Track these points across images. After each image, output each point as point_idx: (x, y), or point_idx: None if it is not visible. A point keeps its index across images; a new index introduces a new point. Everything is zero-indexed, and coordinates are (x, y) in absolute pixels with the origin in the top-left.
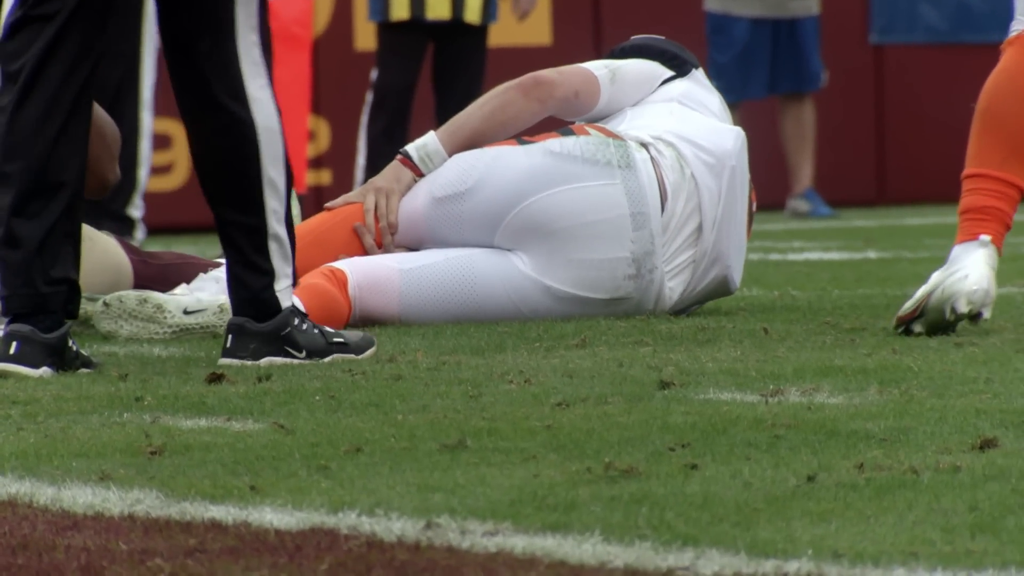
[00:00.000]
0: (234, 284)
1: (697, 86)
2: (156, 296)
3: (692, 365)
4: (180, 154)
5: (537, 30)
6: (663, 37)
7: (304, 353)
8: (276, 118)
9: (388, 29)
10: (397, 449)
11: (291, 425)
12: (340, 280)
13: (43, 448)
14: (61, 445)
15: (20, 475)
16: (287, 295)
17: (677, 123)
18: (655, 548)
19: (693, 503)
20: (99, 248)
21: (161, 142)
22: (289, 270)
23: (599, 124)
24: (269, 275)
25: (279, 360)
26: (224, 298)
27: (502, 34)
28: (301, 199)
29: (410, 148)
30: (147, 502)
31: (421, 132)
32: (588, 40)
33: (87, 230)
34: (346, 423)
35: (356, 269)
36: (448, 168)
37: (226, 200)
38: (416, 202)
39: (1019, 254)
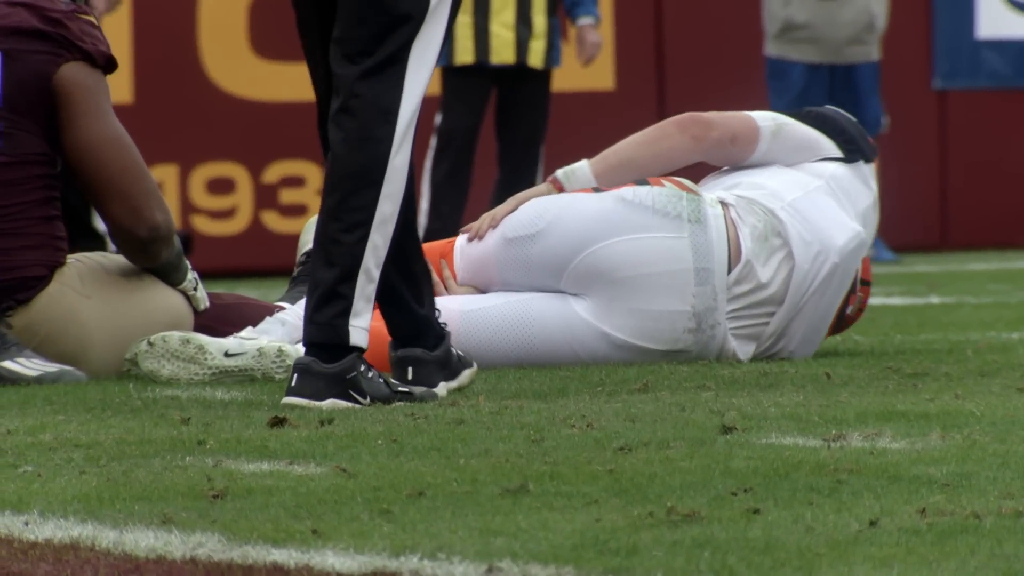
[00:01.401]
0: (313, 309)
1: (855, 178)
2: (199, 338)
3: (754, 409)
4: (242, 198)
5: (601, 75)
6: (854, 119)
7: (368, 400)
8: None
9: (452, 73)
10: (459, 493)
11: (353, 469)
12: None
13: (105, 491)
14: (123, 488)
15: (82, 518)
16: (361, 335)
17: (801, 199)
18: None
19: (755, 548)
20: (159, 290)
21: (224, 186)
22: (368, 314)
23: (680, 179)
24: (347, 304)
25: (342, 404)
26: (264, 341)
27: (566, 79)
28: None
29: (560, 171)
30: (209, 546)
31: (484, 177)
32: (652, 86)
33: (145, 274)
34: (408, 467)
35: None
36: (522, 211)
37: (337, 212)
38: (488, 243)
39: None
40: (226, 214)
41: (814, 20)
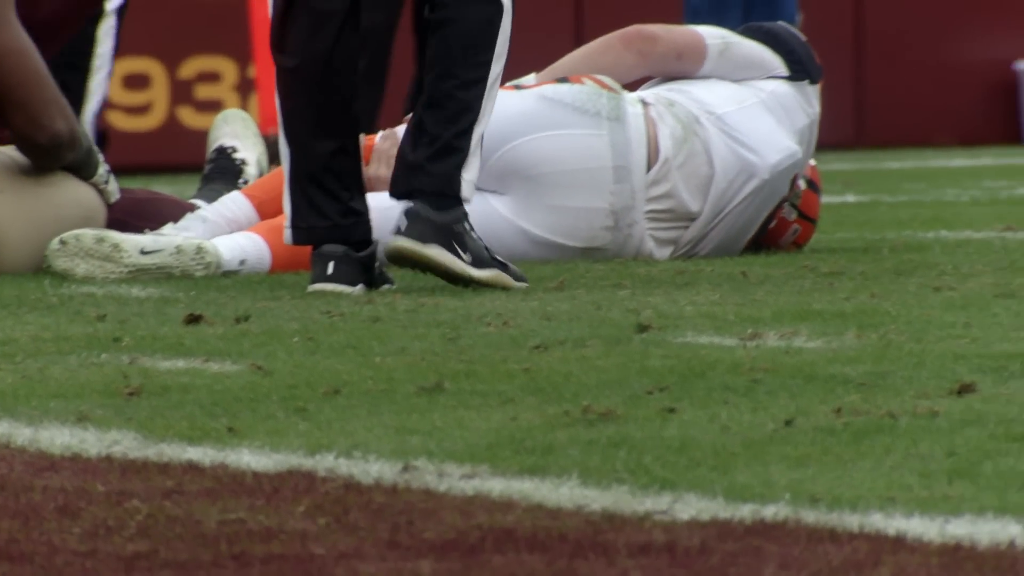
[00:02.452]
0: (427, 160)
1: (797, 96)
2: (114, 235)
3: (670, 308)
4: (158, 94)
5: None
6: (805, 39)
7: (469, 257)
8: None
9: None
10: (375, 391)
11: (269, 367)
12: None
13: (21, 389)
14: (39, 386)
15: None
16: (469, 187)
17: (734, 113)
18: (632, 492)
19: (671, 447)
20: (71, 184)
21: (139, 82)
22: (476, 168)
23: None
24: (463, 156)
25: (446, 254)
26: (180, 239)
27: None
28: None
29: (508, 84)
30: (124, 443)
31: (400, 76)
32: None
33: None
34: (324, 365)
35: None
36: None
37: (454, 70)
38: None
39: (998, 199)
40: (141, 110)
41: None
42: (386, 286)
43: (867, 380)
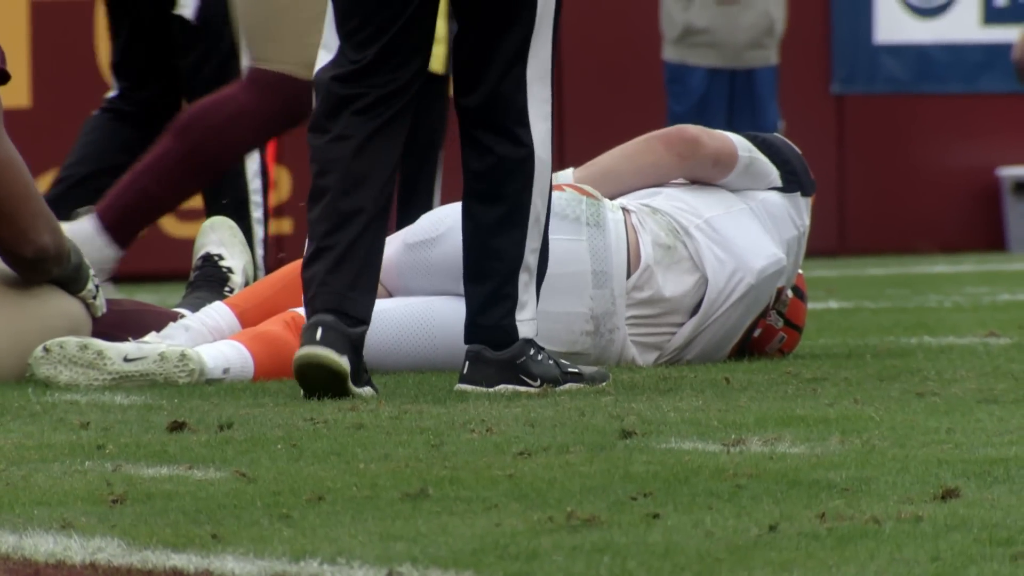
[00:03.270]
0: (476, 310)
1: (788, 207)
2: (97, 343)
3: (654, 414)
4: None
5: None
6: (799, 151)
7: (539, 382)
8: (550, 149)
9: None
10: (359, 498)
11: (253, 473)
12: (299, 326)
13: (4, 496)
14: (22, 493)
15: None
16: (528, 326)
17: (721, 217)
18: None
19: (655, 552)
20: (57, 297)
21: None
22: (534, 303)
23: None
24: (513, 302)
25: (513, 388)
26: (165, 346)
27: None
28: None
29: None
30: (109, 550)
31: None
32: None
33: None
34: (308, 471)
35: None
36: (424, 218)
37: (492, 226)
38: (389, 249)
39: (980, 305)
40: None
41: (714, 25)
42: (368, 389)
43: (851, 485)
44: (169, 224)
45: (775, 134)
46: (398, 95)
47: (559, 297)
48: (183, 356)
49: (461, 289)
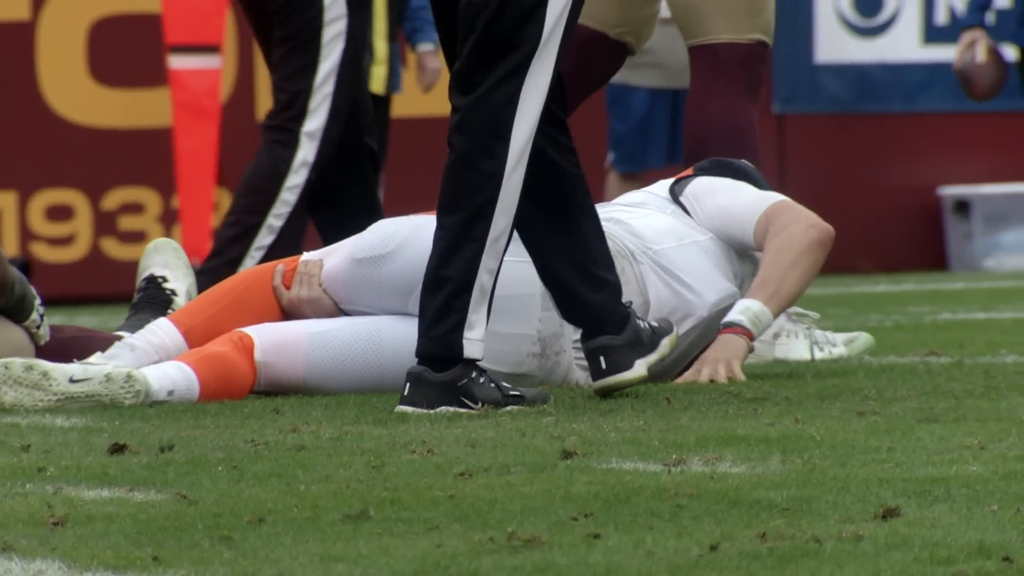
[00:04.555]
0: (428, 323)
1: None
2: (43, 364)
3: (594, 435)
4: (82, 225)
5: (441, 101)
6: (751, 165)
7: (480, 405)
8: (522, 171)
9: None
10: (300, 519)
11: (193, 495)
12: (246, 346)
13: None
14: None
15: None
16: (475, 346)
17: (672, 251)
18: None
19: (596, 573)
20: (1, 325)
21: (63, 213)
22: (483, 325)
23: None
24: (461, 318)
25: (454, 409)
26: (110, 367)
27: (406, 105)
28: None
29: (740, 317)
30: (50, 573)
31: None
32: None
33: None
34: (248, 493)
35: (264, 334)
36: (372, 231)
37: (452, 234)
38: (336, 263)
39: (921, 324)
40: (65, 241)
41: (656, 45)
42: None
43: (791, 505)
44: (108, 247)
45: (743, 161)
46: None
47: (507, 318)
48: (129, 377)
49: (409, 308)
